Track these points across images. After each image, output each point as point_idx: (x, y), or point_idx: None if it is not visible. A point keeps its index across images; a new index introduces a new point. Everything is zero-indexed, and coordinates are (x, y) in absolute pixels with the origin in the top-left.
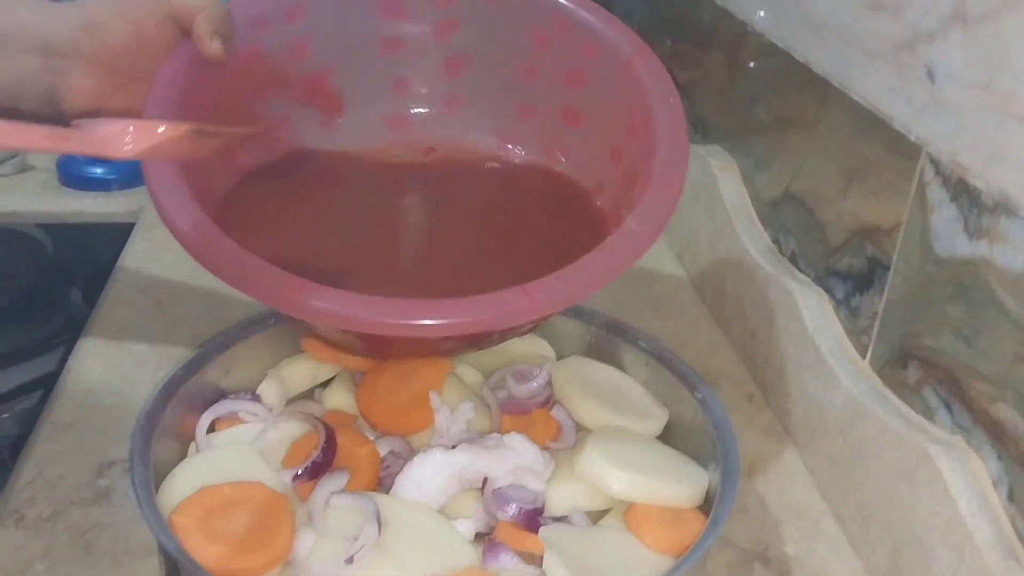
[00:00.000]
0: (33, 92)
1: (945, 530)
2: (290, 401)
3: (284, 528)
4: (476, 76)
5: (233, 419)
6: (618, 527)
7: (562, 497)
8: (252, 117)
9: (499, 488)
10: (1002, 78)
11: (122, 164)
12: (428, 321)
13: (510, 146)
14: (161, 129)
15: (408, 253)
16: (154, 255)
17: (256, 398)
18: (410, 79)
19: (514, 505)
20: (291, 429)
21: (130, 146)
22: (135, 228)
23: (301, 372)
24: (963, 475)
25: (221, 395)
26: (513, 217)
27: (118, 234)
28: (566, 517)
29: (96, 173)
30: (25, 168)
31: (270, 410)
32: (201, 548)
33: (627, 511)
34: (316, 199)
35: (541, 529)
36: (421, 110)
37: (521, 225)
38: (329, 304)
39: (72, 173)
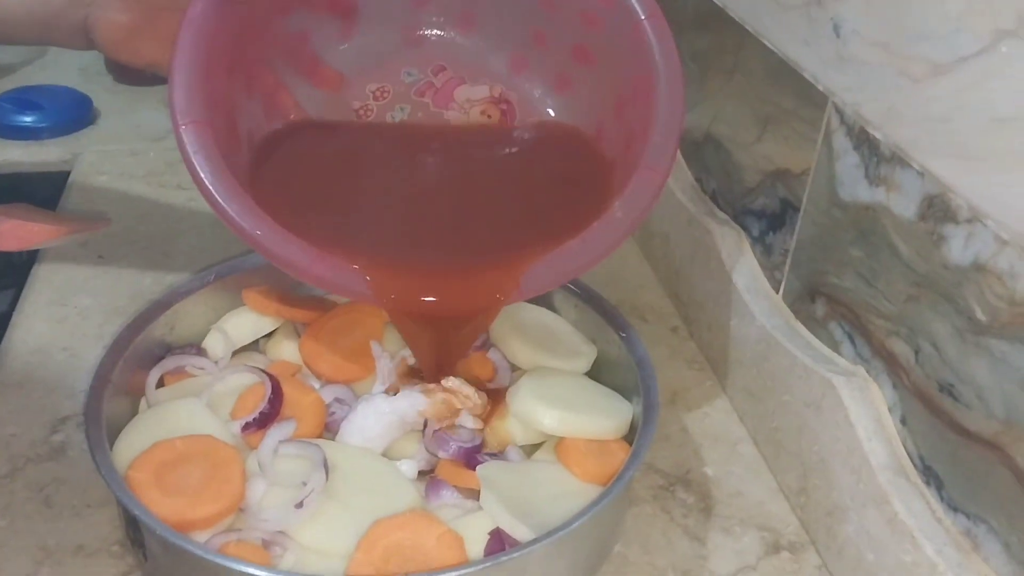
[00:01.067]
0: (66, 25)
1: (846, 453)
2: (235, 354)
3: (235, 478)
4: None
5: (181, 373)
6: (550, 460)
7: (497, 434)
8: (274, 37)
9: (438, 430)
10: (899, 39)
11: (53, 112)
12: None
13: (518, 75)
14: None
15: (421, 218)
16: (91, 206)
17: (202, 352)
18: None
19: (453, 444)
20: (237, 381)
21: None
22: (70, 178)
23: (244, 325)
24: (862, 403)
25: (167, 351)
26: (523, 177)
27: (52, 182)
28: (502, 453)
29: (25, 121)
30: None
31: (216, 363)
32: (157, 501)
33: (558, 445)
34: (335, 168)
35: (478, 467)
36: (437, 31)
37: (530, 185)
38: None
39: (2, 122)
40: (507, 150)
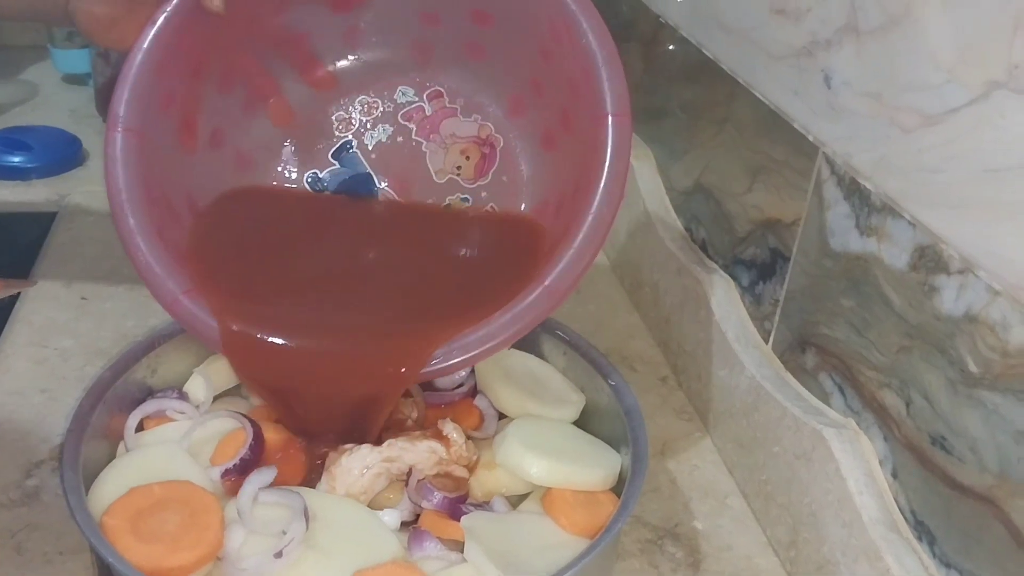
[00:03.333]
0: (53, 10)
1: (837, 507)
2: (217, 398)
3: (214, 525)
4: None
5: (161, 417)
6: (536, 511)
7: (483, 484)
8: (266, 35)
9: (423, 479)
10: (890, 89)
11: (42, 152)
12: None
13: (512, 119)
14: None
15: (350, 289)
16: (77, 247)
17: (183, 396)
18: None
19: (438, 494)
20: (218, 426)
21: None
22: (56, 219)
23: (227, 369)
24: (853, 456)
25: (148, 393)
26: (458, 266)
27: (38, 223)
28: (488, 503)
29: (14, 162)
30: None
31: (197, 408)
32: (133, 549)
33: (544, 495)
34: (272, 229)
35: (463, 517)
36: (445, 53)
37: (463, 275)
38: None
39: None
40: (456, 233)
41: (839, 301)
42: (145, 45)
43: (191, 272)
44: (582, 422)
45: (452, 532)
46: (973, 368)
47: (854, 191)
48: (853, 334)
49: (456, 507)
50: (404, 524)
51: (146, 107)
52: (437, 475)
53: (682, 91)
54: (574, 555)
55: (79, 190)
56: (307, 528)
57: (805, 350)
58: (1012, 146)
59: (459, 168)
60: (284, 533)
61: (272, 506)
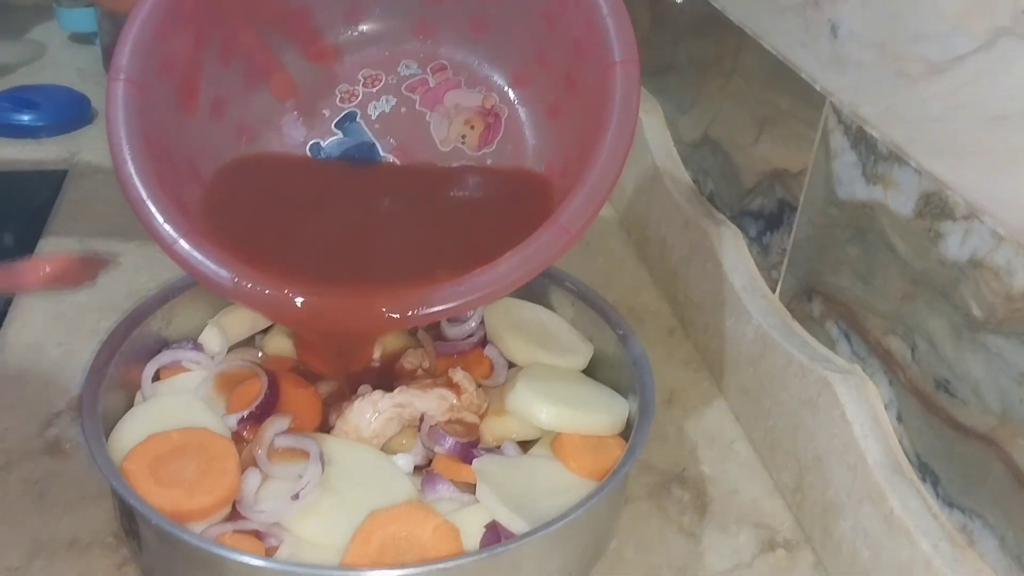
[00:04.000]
0: None
1: (842, 450)
2: (231, 349)
3: (231, 470)
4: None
5: (177, 368)
6: (546, 455)
7: (494, 430)
8: (266, 9)
9: (435, 425)
10: (896, 39)
11: (50, 111)
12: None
13: (516, 90)
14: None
15: (355, 242)
16: (88, 205)
17: (198, 347)
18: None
19: (450, 439)
20: (234, 375)
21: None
22: (67, 176)
23: (240, 320)
24: (858, 401)
25: (164, 345)
26: (465, 209)
27: (49, 181)
28: (498, 448)
29: (23, 120)
30: None
31: (212, 358)
32: (153, 492)
33: (554, 440)
34: (281, 191)
35: (475, 461)
36: (448, 28)
37: (468, 217)
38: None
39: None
40: (461, 189)
41: (845, 249)
42: (148, 4)
43: (201, 231)
44: (591, 371)
45: (464, 475)
46: (977, 313)
47: (860, 140)
48: (859, 282)
49: (468, 452)
50: (417, 469)
51: (147, 63)
52: (449, 421)
53: (689, 44)
54: (583, 497)
55: (89, 148)
56: (323, 472)
57: (812, 298)
58: (1018, 92)
59: (463, 137)
60: (300, 477)
61: (288, 452)
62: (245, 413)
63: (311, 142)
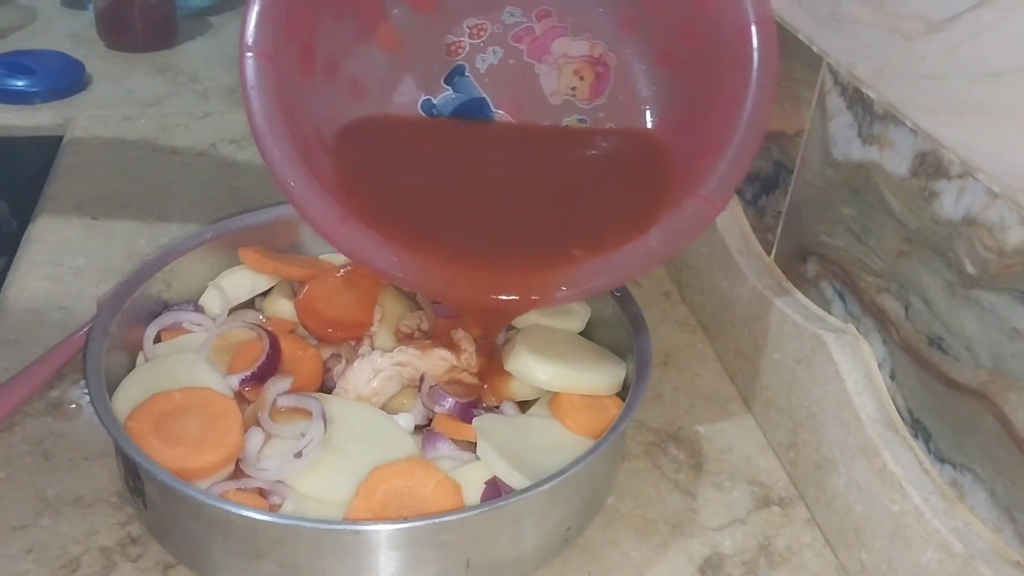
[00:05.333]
0: None
1: (836, 407)
2: (232, 311)
3: (234, 428)
4: None
5: (178, 330)
6: (544, 414)
7: (493, 391)
8: None
9: (434, 386)
10: None
11: (45, 76)
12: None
13: (623, 35)
14: None
15: (487, 212)
16: (85, 169)
17: (199, 309)
18: None
19: (450, 399)
20: (235, 337)
21: None
22: (63, 142)
23: (241, 282)
24: (852, 359)
25: (164, 307)
26: (588, 183)
27: (44, 148)
28: (498, 407)
29: (17, 86)
30: None
31: (213, 320)
32: (157, 451)
33: (552, 400)
34: (407, 158)
35: (475, 419)
36: None
37: (593, 191)
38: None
39: None
40: (580, 153)
41: (840, 210)
42: None
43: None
44: (587, 333)
45: (464, 434)
46: (970, 269)
47: (857, 100)
48: (854, 241)
49: (468, 411)
50: (417, 428)
51: (276, 30)
52: (448, 382)
53: None
54: (580, 454)
55: (84, 114)
56: (325, 430)
57: (807, 260)
58: (1014, 49)
59: (574, 89)
60: (303, 436)
61: (290, 411)
62: (247, 373)
63: (422, 99)
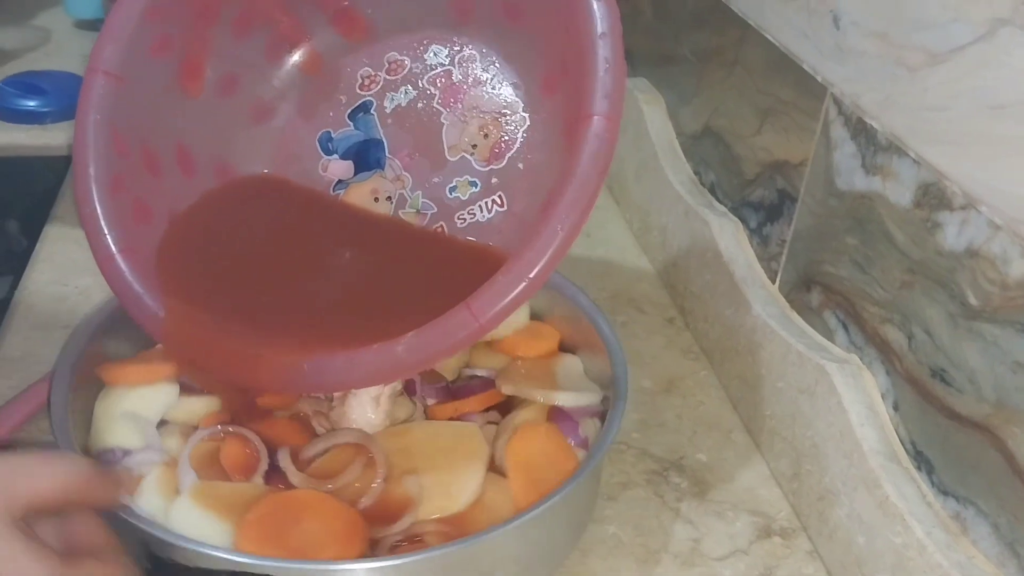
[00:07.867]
0: None
1: (839, 438)
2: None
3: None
4: None
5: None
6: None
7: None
8: None
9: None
10: (897, 28)
11: (56, 97)
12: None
13: (545, 97)
14: None
15: (286, 291)
16: None
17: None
18: None
19: (431, 388)
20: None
21: None
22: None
23: (150, 403)
24: (855, 389)
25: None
26: (404, 274)
27: (54, 167)
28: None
29: (29, 106)
30: None
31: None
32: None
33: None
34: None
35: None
36: (485, 14)
37: (418, 288)
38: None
39: (6, 106)
40: (411, 251)
41: (844, 240)
42: None
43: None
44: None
45: (461, 409)
46: (973, 301)
47: (860, 131)
48: (857, 272)
49: (456, 390)
50: None
51: (132, 50)
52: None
53: (692, 34)
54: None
55: None
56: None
57: (810, 289)
58: (1017, 82)
59: (474, 147)
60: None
61: (327, 461)
62: (266, 466)
63: (322, 131)
